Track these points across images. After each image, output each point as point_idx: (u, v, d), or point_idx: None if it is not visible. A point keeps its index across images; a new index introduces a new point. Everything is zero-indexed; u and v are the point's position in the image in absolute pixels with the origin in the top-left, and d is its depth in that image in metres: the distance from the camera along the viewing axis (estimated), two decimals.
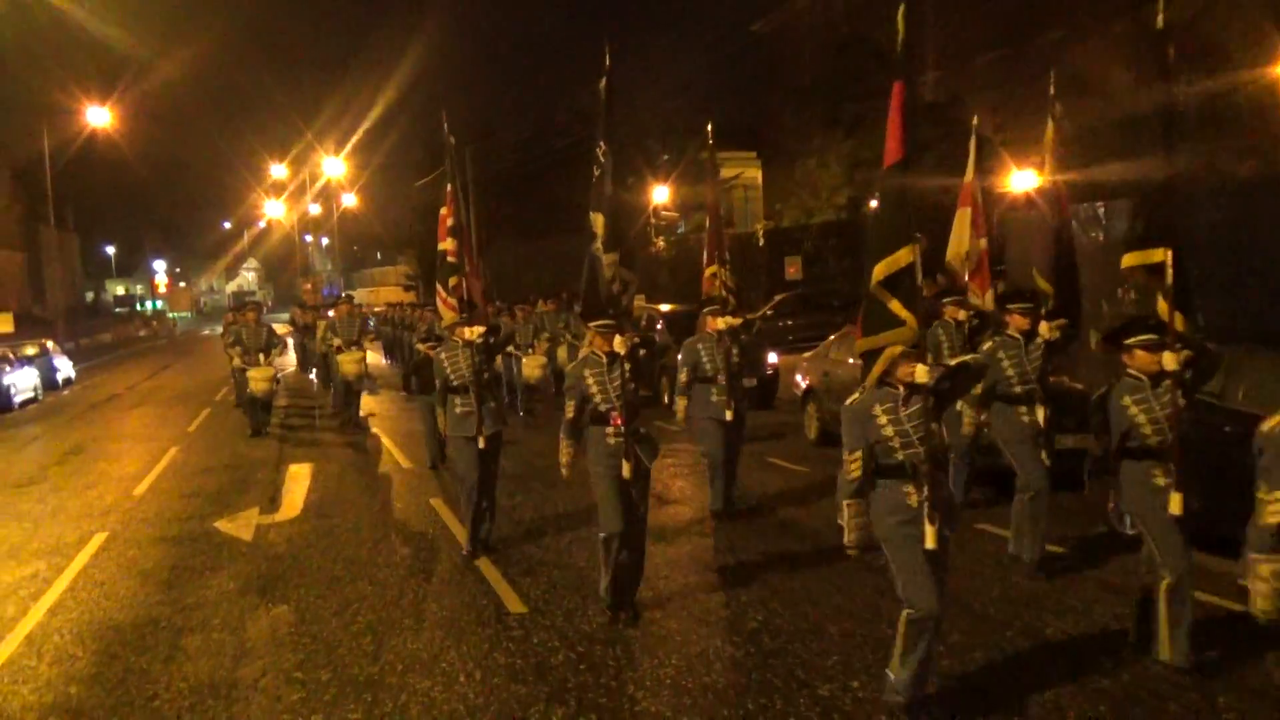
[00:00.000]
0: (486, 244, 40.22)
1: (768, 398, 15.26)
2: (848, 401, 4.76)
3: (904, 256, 4.60)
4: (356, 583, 7.30)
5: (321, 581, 7.37)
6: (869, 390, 4.69)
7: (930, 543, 4.46)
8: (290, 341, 26.08)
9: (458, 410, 7.76)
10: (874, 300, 4.67)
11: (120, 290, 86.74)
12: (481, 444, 7.57)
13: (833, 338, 13.00)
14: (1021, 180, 18.75)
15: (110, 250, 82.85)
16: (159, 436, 15.50)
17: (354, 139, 52.33)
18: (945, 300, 8.83)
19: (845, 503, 4.71)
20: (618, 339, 6.01)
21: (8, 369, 21.30)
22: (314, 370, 21.86)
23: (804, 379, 12.98)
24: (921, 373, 4.46)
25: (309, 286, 51.61)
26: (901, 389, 4.59)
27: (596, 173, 6.40)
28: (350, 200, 60.83)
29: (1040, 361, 7.11)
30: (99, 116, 39.77)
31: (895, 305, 4.55)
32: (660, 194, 34.42)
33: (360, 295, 44.83)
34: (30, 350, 24.46)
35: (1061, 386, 10.64)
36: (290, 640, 6.17)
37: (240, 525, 9.17)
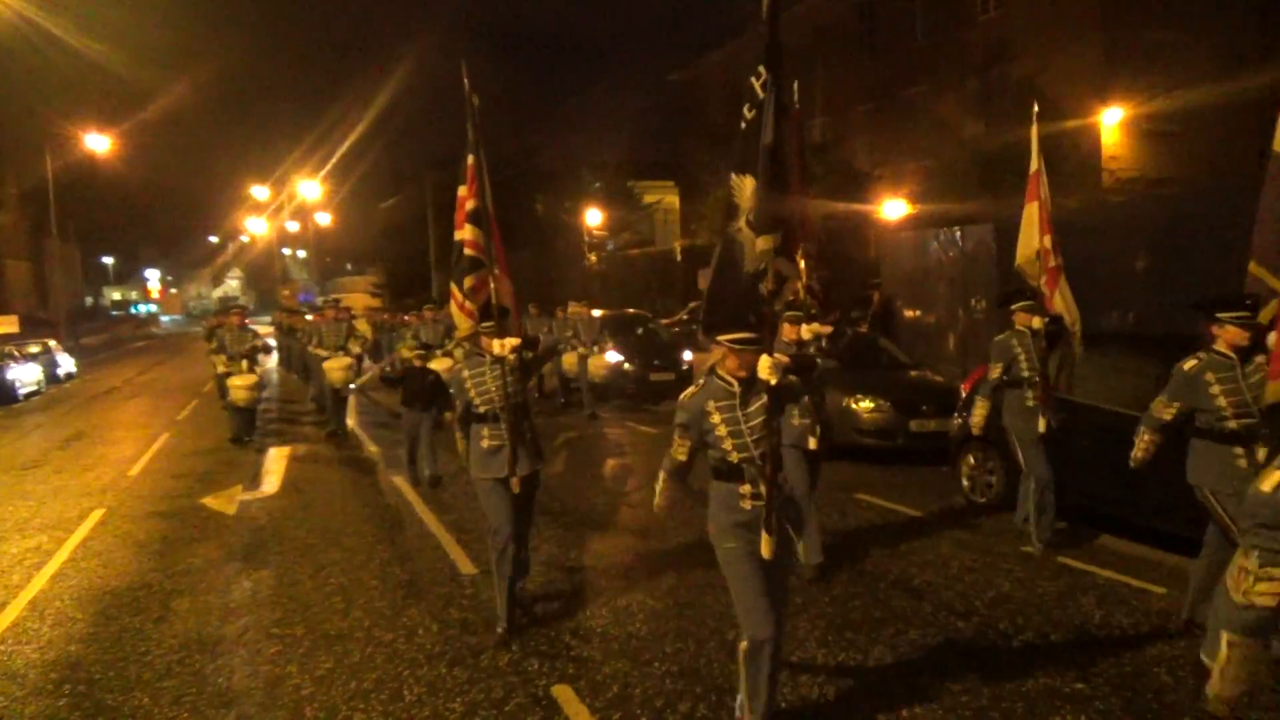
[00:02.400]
0: (440, 260, 39.78)
1: (684, 389, 15.37)
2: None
3: None
4: (328, 550, 7.14)
5: (297, 549, 7.19)
6: None
7: None
8: (274, 344, 24.66)
9: (484, 444, 5.24)
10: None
11: (117, 296, 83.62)
12: (515, 487, 5.19)
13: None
14: (894, 208, 19.14)
15: (108, 260, 79.78)
16: (152, 424, 14.96)
17: (328, 165, 51.19)
18: (1016, 306, 6.82)
19: None
20: (764, 361, 3.65)
21: (13, 364, 20.39)
22: (295, 371, 19.81)
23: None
24: None
25: (287, 292, 50.37)
26: None
27: (747, 115, 3.76)
28: (324, 219, 59.54)
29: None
30: (98, 142, 38.35)
31: None
32: (593, 217, 34.36)
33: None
34: (34, 349, 23.53)
35: (924, 378, 10.94)
36: (269, 601, 6.01)
37: (225, 501, 8.89)
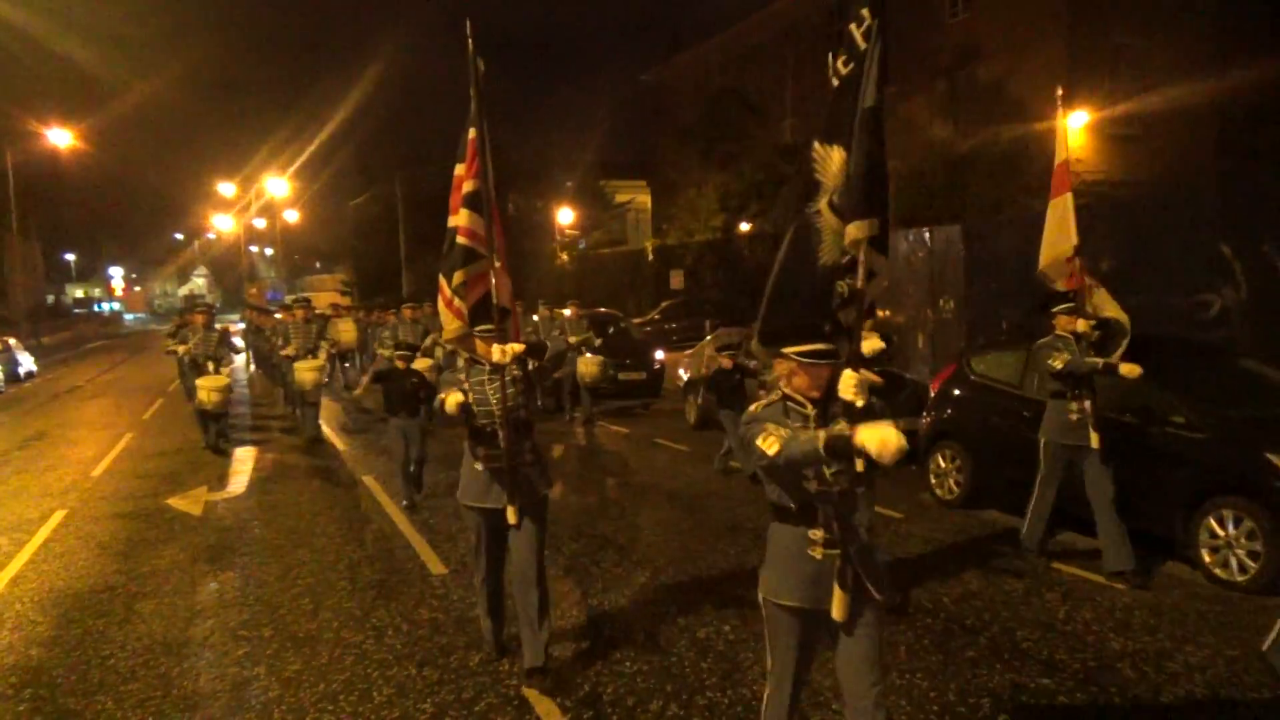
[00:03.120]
0: (411, 258, 39.52)
1: (655, 388, 15.39)
2: None
3: None
4: (297, 550, 7.06)
5: (265, 550, 7.11)
6: None
7: None
8: (241, 343, 23.04)
9: (479, 465, 4.56)
10: None
11: (79, 293, 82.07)
12: (512, 518, 4.46)
13: (709, 337, 13.17)
14: None
15: (70, 257, 78.28)
16: (115, 424, 14.71)
17: (297, 163, 50.60)
18: (1057, 309, 6.22)
19: None
20: (849, 379, 2.88)
21: None
22: (264, 371, 18.37)
23: (685, 372, 13.11)
24: None
25: (254, 290, 49.78)
26: None
27: (841, 70, 3.08)
28: (292, 216, 58.91)
29: None
30: (61, 137, 37.66)
31: None
32: (565, 216, 34.31)
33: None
34: None
35: (895, 378, 11.03)
36: (236, 602, 5.93)
37: (191, 501, 8.76)
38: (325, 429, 12.66)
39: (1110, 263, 10.58)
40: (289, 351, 11.96)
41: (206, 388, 10.93)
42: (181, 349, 11.61)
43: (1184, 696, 4.28)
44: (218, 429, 11.40)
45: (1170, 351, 7.57)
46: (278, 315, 16.09)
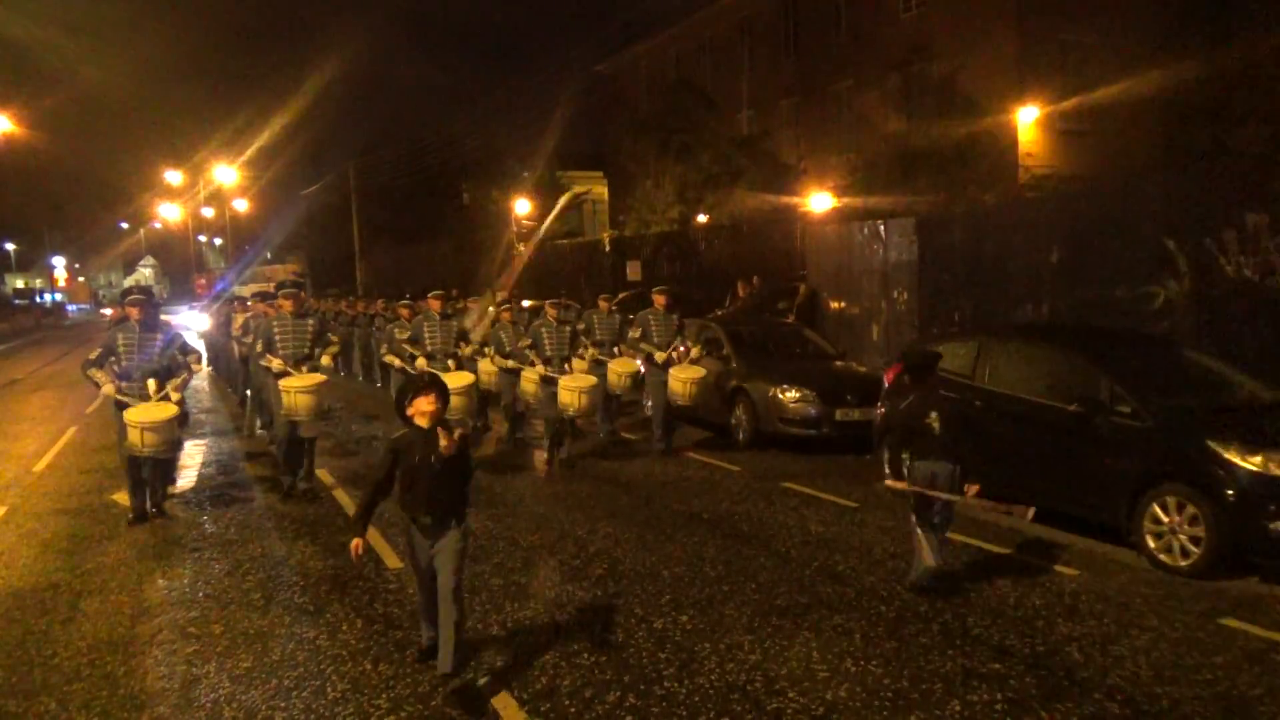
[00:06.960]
0: (364, 248, 39.02)
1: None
2: None
3: None
4: (247, 545, 6.92)
5: (214, 545, 6.96)
6: None
7: None
8: (201, 349, 16.98)
9: None
10: None
11: (20, 284, 79.65)
12: None
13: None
14: (819, 201, 19.42)
15: (10, 246, 75.90)
16: (58, 418, 14.29)
17: (248, 153, 49.56)
18: None
19: None
20: None
21: None
22: (227, 380, 15.31)
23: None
24: None
25: (203, 281, 48.79)
26: None
27: None
28: (242, 205, 57.75)
29: None
30: None
31: None
32: (522, 206, 34.09)
33: (246, 291, 27.07)
34: None
35: (849, 369, 11.16)
36: (185, 599, 5.80)
37: None
38: (335, 487, 8.66)
39: (1058, 255, 10.80)
40: (274, 364, 8.22)
41: (138, 423, 7.06)
42: (107, 386, 7.26)
43: (1130, 678, 4.39)
44: (163, 488, 7.97)
45: (1116, 343, 7.75)
46: (248, 304, 12.82)
